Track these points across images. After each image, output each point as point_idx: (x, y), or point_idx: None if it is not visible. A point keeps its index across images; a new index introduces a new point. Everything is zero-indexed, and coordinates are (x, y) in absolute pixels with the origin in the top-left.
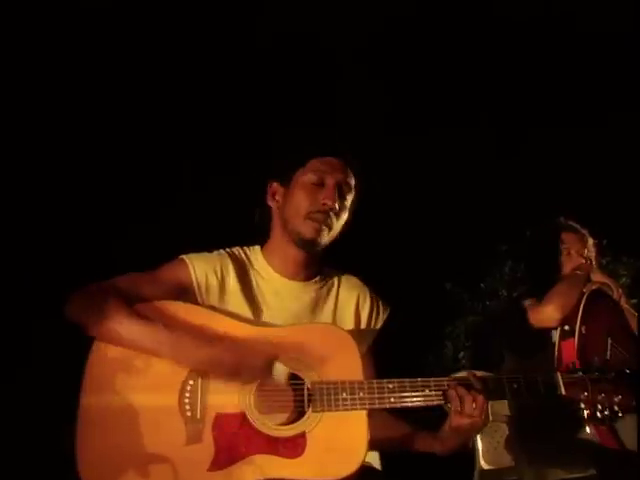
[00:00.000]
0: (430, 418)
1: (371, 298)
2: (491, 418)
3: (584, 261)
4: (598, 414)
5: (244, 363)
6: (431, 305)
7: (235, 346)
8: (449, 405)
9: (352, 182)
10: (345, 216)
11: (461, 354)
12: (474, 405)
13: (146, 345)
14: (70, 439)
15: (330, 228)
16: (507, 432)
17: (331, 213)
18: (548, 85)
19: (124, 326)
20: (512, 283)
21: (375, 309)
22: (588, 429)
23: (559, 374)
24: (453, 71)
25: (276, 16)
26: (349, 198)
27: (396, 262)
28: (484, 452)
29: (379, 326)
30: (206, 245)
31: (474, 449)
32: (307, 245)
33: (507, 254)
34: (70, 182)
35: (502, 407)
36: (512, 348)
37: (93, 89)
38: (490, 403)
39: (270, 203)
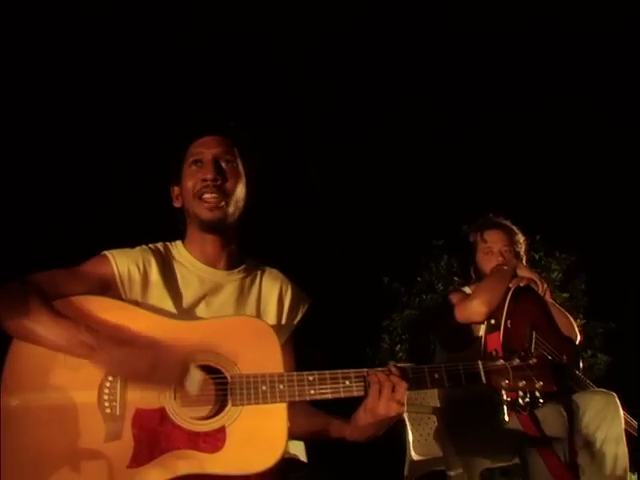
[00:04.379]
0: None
1: (293, 289)
2: (405, 409)
3: (503, 259)
4: (520, 400)
5: (159, 366)
6: (369, 299)
7: (150, 348)
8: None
9: (234, 150)
10: (241, 185)
11: (398, 347)
12: (392, 391)
13: (62, 345)
14: None
15: (225, 200)
16: (436, 423)
17: (216, 185)
18: (477, 83)
19: (41, 325)
20: (448, 277)
21: (296, 300)
22: (507, 417)
23: (480, 363)
24: (391, 74)
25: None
26: (235, 166)
27: (334, 257)
28: (414, 443)
29: (299, 317)
30: (130, 244)
31: (405, 440)
32: (210, 225)
33: (443, 249)
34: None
35: (432, 399)
36: (443, 342)
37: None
38: (422, 396)
39: (176, 205)
